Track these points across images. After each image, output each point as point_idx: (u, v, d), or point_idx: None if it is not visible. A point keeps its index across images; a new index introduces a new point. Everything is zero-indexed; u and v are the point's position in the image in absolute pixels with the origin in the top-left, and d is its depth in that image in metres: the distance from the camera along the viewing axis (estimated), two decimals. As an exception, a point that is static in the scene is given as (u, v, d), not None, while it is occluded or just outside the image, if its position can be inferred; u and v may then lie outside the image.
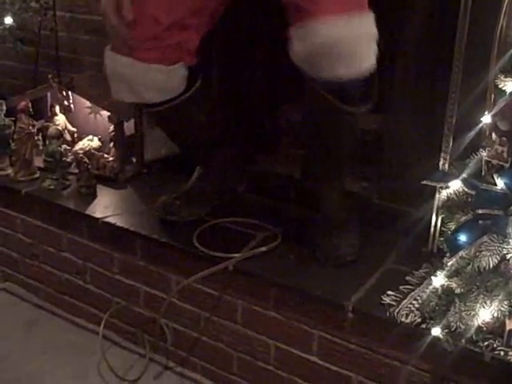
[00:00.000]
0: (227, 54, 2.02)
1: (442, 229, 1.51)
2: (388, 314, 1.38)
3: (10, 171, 2.10)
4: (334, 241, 1.61)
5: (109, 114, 2.16)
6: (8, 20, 2.32)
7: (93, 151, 2.13)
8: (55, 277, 2.02)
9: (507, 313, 1.27)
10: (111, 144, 2.16)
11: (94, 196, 1.97)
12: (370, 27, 1.40)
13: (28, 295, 2.10)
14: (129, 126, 2.12)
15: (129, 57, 1.55)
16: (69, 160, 2.10)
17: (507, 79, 1.38)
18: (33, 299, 2.08)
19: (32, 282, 2.10)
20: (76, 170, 2.04)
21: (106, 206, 1.91)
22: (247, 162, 1.96)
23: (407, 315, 1.36)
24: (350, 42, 1.37)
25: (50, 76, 2.26)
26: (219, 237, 1.73)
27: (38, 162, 2.11)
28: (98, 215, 1.85)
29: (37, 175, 2.09)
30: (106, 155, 2.11)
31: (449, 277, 1.34)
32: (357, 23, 1.37)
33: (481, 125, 1.43)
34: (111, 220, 1.82)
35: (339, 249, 1.60)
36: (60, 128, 2.20)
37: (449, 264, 1.34)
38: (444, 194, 1.48)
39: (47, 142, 2.11)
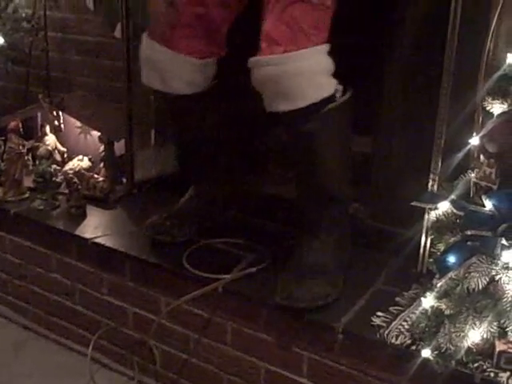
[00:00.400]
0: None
1: (432, 250, 1.51)
2: (378, 335, 1.38)
3: (-1, 191, 2.09)
4: (292, 287, 1.48)
5: (99, 134, 2.16)
6: (-1, 40, 2.34)
7: (83, 171, 2.13)
8: (44, 298, 2.00)
9: (496, 334, 1.27)
10: (101, 164, 2.16)
11: (83, 216, 1.96)
12: (312, 63, 1.43)
13: (16, 316, 2.08)
14: (119, 146, 2.13)
15: (164, 45, 1.60)
16: (59, 180, 2.10)
17: (494, 101, 1.40)
18: (21, 320, 2.06)
19: (20, 302, 2.08)
20: (66, 190, 2.04)
21: (95, 227, 1.90)
22: (237, 182, 1.96)
23: (397, 336, 1.36)
24: (284, 79, 1.42)
25: (40, 96, 2.26)
26: (209, 258, 1.72)
27: (28, 182, 2.11)
28: (87, 236, 1.84)
29: (26, 195, 2.08)
30: (96, 175, 2.11)
31: (438, 298, 1.34)
32: (294, 61, 1.41)
33: (469, 146, 1.44)
34: (101, 241, 1.81)
35: (298, 296, 1.46)
36: (50, 148, 2.20)
37: (438, 285, 1.35)
38: (433, 215, 1.48)
39: (37, 162, 2.11)
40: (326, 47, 1.46)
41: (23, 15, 2.36)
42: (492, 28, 1.44)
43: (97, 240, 1.81)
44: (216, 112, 1.78)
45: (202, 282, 1.60)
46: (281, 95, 1.44)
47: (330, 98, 1.48)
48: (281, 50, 1.41)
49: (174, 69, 1.63)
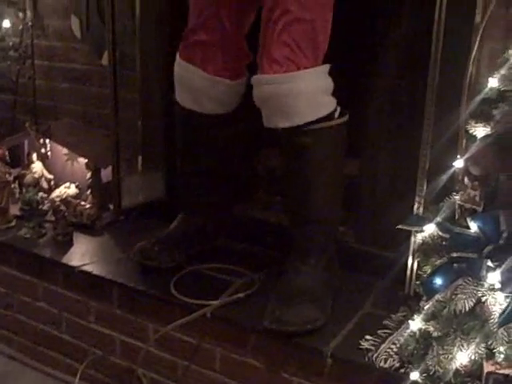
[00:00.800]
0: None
1: (418, 272, 1.52)
2: (367, 359, 1.38)
3: (-15, 220, 2.07)
4: (283, 309, 1.47)
5: (86, 160, 2.16)
6: (-14, 69, 2.35)
7: (70, 198, 2.12)
8: (30, 327, 1.98)
9: (484, 355, 1.27)
10: (88, 191, 2.15)
11: (70, 244, 1.95)
12: (313, 83, 1.48)
13: (1, 346, 2.05)
14: (106, 173, 2.13)
15: (198, 67, 1.65)
16: (45, 208, 2.09)
17: (477, 125, 1.42)
18: (6, 350, 2.03)
19: (5, 332, 2.05)
20: (53, 218, 2.03)
21: (82, 254, 1.89)
22: (227, 208, 1.96)
23: (386, 360, 1.36)
24: (285, 98, 1.46)
25: (27, 124, 2.27)
26: (197, 284, 1.71)
27: (15, 210, 2.09)
28: (74, 263, 1.82)
29: (13, 223, 2.07)
30: (83, 202, 2.10)
31: (426, 320, 1.34)
32: (295, 81, 1.46)
33: (453, 169, 1.45)
34: (88, 268, 1.80)
35: (287, 320, 1.45)
36: (37, 176, 2.20)
37: (425, 307, 1.35)
38: (419, 237, 1.49)
39: (24, 190, 2.10)
40: (326, 67, 1.51)
41: (10, 44, 2.39)
42: (474, 52, 1.47)
43: (84, 268, 1.80)
44: (228, 133, 1.79)
45: (190, 308, 1.59)
46: (281, 113, 1.49)
47: (328, 116, 1.51)
48: (282, 70, 1.46)
49: (206, 90, 1.67)
